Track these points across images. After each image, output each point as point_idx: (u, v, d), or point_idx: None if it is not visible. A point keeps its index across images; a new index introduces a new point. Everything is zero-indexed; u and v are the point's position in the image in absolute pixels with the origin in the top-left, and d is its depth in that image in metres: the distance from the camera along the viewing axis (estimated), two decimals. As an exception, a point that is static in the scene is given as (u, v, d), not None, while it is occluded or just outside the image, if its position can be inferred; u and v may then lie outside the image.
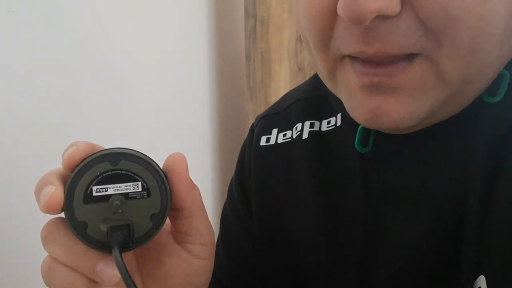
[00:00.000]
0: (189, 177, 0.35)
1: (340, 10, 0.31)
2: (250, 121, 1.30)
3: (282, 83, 1.27)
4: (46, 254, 0.35)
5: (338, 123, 0.47)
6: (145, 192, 0.33)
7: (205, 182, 1.25)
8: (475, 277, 0.34)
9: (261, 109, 1.28)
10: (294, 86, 1.41)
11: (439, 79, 0.33)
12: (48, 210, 0.31)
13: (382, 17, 0.30)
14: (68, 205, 0.32)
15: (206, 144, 1.27)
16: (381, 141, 0.41)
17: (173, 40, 1.11)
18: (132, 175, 0.33)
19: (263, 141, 0.52)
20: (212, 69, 1.28)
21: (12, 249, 0.70)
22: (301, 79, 1.25)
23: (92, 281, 0.33)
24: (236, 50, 1.39)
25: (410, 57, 0.32)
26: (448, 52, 0.31)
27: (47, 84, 0.75)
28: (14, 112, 0.69)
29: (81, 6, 0.81)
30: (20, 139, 0.70)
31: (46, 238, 0.34)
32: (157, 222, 0.34)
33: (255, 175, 0.51)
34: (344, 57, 0.35)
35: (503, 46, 0.33)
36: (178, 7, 1.13)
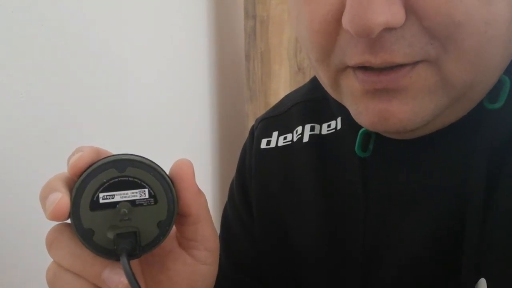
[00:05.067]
0: (196, 184, 0.35)
1: (346, 24, 0.31)
2: (250, 121, 1.30)
3: (281, 83, 1.27)
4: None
5: (339, 127, 0.47)
6: (152, 199, 0.33)
7: (205, 183, 1.25)
8: (476, 280, 0.34)
9: (260, 109, 1.28)
10: (294, 86, 1.41)
11: (444, 83, 0.33)
12: (54, 217, 0.31)
13: (388, 29, 0.31)
14: (74, 212, 0.32)
15: (206, 145, 1.27)
16: (381, 145, 0.41)
17: (172, 40, 1.11)
18: (139, 182, 0.33)
19: (263, 144, 0.52)
20: (212, 69, 1.28)
21: (11, 251, 0.70)
22: (300, 79, 1.25)
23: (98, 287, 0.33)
24: (236, 50, 1.39)
25: (414, 64, 0.32)
26: (454, 57, 0.32)
27: (47, 84, 0.74)
28: (14, 112, 0.69)
29: (81, 6, 0.81)
30: (20, 139, 0.70)
31: (52, 244, 0.33)
32: (164, 229, 0.33)
33: (255, 177, 0.51)
34: (346, 67, 0.35)
35: (507, 48, 0.33)
36: (178, 7, 1.13)
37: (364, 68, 0.33)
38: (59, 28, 0.77)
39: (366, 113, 0.35)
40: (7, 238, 0.69)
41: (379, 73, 0.33)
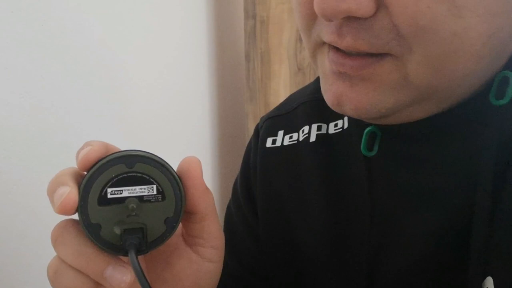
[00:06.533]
0: (203, 181, 0.35)
1: (314, 5, 0.32)
2: (250, 121, 1.30)
3: (281, 84, 1.27)
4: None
5: (345, 126, 0.47)
6: (160, 195, 0.33)
7: (205, 182, 1.25)
8: (483, 278, 0.34)
9: (260, 109, 1.28)
10: (293, 86, 1.41)
11: (406, 81, 0.33)
12: (62, 211, 0.31)
13: (357, 17, 0.31)
14: (82, 207, 0.32)
15: (205, 144, 1.27)
16: (387, 144, 0.41)
17: (172, 40, 1.11)
18: (148, 178, 0.33)
19: (269, 143, 0.52)
20: (212, 69, 1.28)
21: (10, 251, 0.70)
22: (300, 79, 1.25)
23: (100, 285, 0.33)
24: (236, 50, 1.39)
25: (380, 55, 0.33)
26: (418, 59, 0.32)
27: (47, 85, 0.75)
28: (14, 112, 0.69)
29: (81, 6, 0.81)
30: (20, 140, 0.70)
31: (56, 239, 0.33)
32: (170, 226, 0.34)
33: (260, 176, 0.51)
34: (324, 43, 0.36)
35: (480, 62, 0.33)
36: (178, 7, 1.13)
37: (335, 48, 0.35)
38: (59, 28, 0.77)
39: (328, 92, 0.36)
40: (7, 238, 0.69)
41: (346, 57, 0.34)
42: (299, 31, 0.40)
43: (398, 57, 0.32)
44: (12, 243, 0.70)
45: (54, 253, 0.34)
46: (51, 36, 0.75)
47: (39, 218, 0.71)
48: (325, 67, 0.37)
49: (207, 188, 0.36)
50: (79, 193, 0.32)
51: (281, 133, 0.52)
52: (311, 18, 0.36)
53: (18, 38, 0.69)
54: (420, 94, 0.34)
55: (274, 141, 0.52)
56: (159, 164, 0.33)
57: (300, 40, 1.24)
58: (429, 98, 0.35)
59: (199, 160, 0.35)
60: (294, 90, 1.36)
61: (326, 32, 0.34)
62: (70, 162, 0.37)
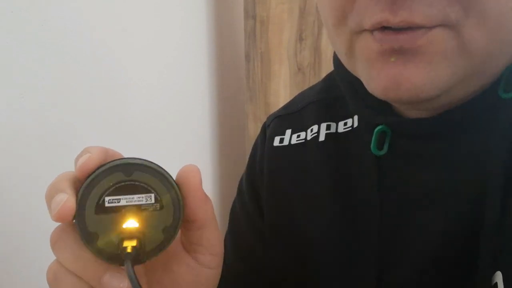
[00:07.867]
0: (202, 190, 0.35)
1: None
2: (250, 121, 1.30)
3: (281, 84, 1.27)
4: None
5: (355, 125, 0.47)
6: (158, 204, 0.33)
7: (205, 183, 1.24)
8: (492, 273, 0.34)
9: (260, 109, 1.28)
10: (293, 87, 1.40)
11: (462, 49, 0.32)
12: (59, 219, 0.31)
13: None
14: (79, 215, 0.32)
15: (205, 145, 1.27)
16: (397, 143, 0.41)
17: (172, 40, 1.11)
18: (146, 186, 0.32)
19: (276, 142, 0.52)
20: (212, 69, 1.28)
21: (11, 250, 0.70)
22: (300, 80, 1.25)
23: None
24: (236, 50, 1.39)
25: (433, 27, 0.32)
26: (474, 23, 0.31)
27: (47, 85, 0.74)
28: (14, 112, 0.69)
29: (81, 6, 0.81)
30: (20, 140, 0.70)
31: (55, 243, 0.33)
32: (169, 235, 0.33)
33: (267, 174, 0.51)
34: (362, 30, 0.35)
35: None
36: (178, 7, 1.13)
37: (382, 29, 0.33)
38: (59, 28, 0.76)
39: (378, 77, 0.34)
40: (7, 238, 0.69)
41: (397, 32, 0.32)
42: (327, 27, 0.38)
43: (452, 25, 0.32)
44: (11, 243, 0.70)
45: (53, 254, 0.34)
46: (51, 36, 0.75)
47: (39, 218, 0.71)
48: (370, 51, 0.34)
49: (206, 197, 0.35)
50: (76, 201, 0.32)
51: (288, 132, 0.52)
52: (347, 6, 0.35)
53: (18, 38, 0.69)
54: (475, 64, 0.33)
55: (281, 140, 0.52)
56: (158, 173, 0.33)
57: (300, 40, 1.24)
58: (481, 69, 0.34)
59: (198, 169, 0.35)
60: (294, 90, 1.37)
61: (373, 12, 0.33)
62: (70, 162, 0.37)
